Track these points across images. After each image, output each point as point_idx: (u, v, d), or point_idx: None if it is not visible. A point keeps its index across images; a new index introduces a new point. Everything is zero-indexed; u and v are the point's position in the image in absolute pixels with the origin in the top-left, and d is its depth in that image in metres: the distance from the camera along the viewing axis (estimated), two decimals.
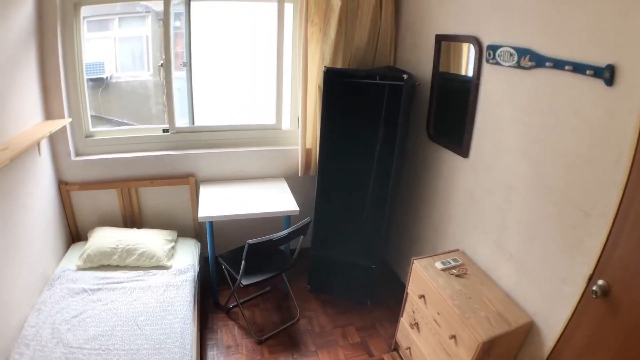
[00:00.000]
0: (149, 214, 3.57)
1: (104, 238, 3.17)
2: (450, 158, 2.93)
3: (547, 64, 2.06)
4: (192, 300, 2.87)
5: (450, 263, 2.72)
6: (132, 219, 3.52)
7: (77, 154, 3.32)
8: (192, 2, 3.22)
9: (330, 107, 3.15)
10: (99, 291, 2.82)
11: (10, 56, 2.62)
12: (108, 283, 2.90)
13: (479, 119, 2.62)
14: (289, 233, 2.96)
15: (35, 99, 2.91)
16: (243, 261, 2.87)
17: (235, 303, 3.42)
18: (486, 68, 2.52)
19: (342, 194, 3.51)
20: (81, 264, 3.04)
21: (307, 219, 3.06)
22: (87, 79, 3.26)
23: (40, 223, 2.99)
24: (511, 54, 2.28)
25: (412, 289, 2.79)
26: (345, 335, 3.19)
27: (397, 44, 3.44)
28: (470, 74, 2.64)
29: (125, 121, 3.86)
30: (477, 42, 2.54)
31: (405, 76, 2.81)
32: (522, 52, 2.21)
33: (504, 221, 2.48)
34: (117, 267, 3.07)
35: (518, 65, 2.24)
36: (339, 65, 3.29)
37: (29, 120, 2.84)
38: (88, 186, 3.34)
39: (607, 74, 1.73)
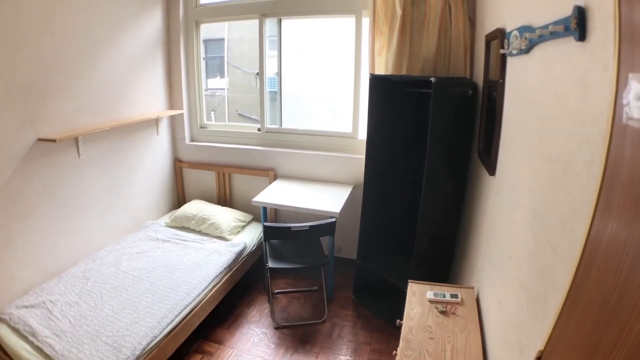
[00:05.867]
0: (237, 196, 3.76)
1: (192, 206, 3.49)
2: (485, 177, 2.16)
3: (526, 35, 1.35)
4: (224, 267, 2.88)
5: (444, 297, 1.99)
6: (224, 198, 3.76)
7: (192, 140, 3.78)
8: (282, 21, 3.31)
9: (375, 116, 2.71)
10: (167, 242, 3.12)
11: (139, 57, 3.21)
12: (177, 239, 3.17)
13: (504, 128, 1.86)
14: (309, 227, 2.70)
15: (161, 93, 3.48)
16: (264, 242, 2.75)
17: (279, 290, 3.27)
18: (508, 63, 1.78)
19: (385, 208, 2.98)
20: (169, 222, 3.42)
21: (331, 219, 2.72)
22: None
23: (149, 185, 3.51)
24: (517, 37, 1.56)
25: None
26: (356, 352, 2.64)
27: (473, 54, 2.72)
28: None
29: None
30: (501, 34, 1.83)
31: (433, 79, 2.19)
32: (522, 31, 1.49)
33: (502, 256, 1.69)
34: (193, 230, 3.33)
35: (520, 50, 1.52)
36: None
37: (154, 107, 3.42)
38: (195, 166, 3.76)
39: (574, 23, 0.99)
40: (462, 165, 2.59)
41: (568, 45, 1.09)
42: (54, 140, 2.51)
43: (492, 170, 1.97)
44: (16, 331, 2.21)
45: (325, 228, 2.76)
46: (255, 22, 3.41)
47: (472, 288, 2.08)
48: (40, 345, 2.12)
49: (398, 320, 1.93)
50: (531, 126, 1.42)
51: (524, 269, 1.37)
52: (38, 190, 2.58)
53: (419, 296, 2.01)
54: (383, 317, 2.95)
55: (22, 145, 2.44)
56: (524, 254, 1.40)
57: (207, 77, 3.76)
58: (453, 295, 1.98)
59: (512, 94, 1.72)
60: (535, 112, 1.39)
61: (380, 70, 2.89)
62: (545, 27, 1.20)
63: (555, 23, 1.13)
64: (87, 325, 2.26)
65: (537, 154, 1.34)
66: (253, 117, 5.14)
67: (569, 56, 1.10)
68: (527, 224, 1.38)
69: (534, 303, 1.26)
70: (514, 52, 1.61)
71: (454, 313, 1.88)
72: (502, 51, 1.74)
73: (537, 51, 1.37)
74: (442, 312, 1.88)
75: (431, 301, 1.96)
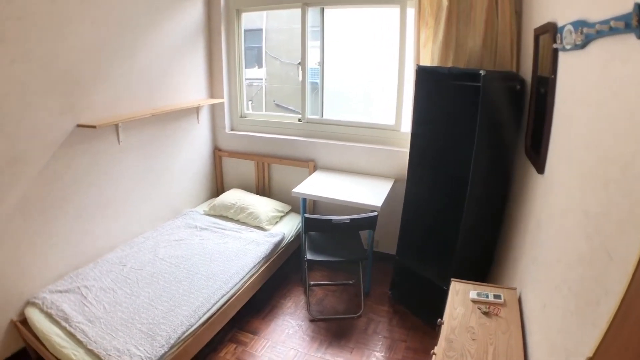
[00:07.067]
0: (275, 186, 3.85)
1: (231, 195, 3.61)
2: (532, 175, 2.13)
3: (583, 30, 1.33)
4: (262, 257, 2.96)
5: (488, 297, 1.98)
6: (263, 188, 3.87)
7: (232, 129, 3.90)
8: (325, 10, 3.35)
9: (420, 108, 2.70)
10: (205, 230, 3.24)
11: (180, 45, 3.31)
12: (215, 227, 3.29)
13: (555, 125, 1.83)
14: (350, 220, 2.75)
15: (202, 81, 3.60)
16: (304, 234, 2.82)
17: (315, 282, 3.35)
18: (560, 58, 1.75)
19: (427, 203, 2.96)
20: (207, 210, 3.55)
21: (373, 213, 2.76)
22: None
23: (188, 173, 3.65)
24: (571, 32, 1.53)
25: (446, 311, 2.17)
26: (391, 348, 2.68)
27: (520, 48, 2.65)
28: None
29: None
30: (553, 28, 1.79)
31: (482, 72, 2.17)
32: (577, 25, 1.47)
33: (549, 258, 1.68)
34: (231, 219, 3.45)
35: (575, 45, 1.49)
36: None
37: (195, 95, 3.54)
38: (234, 155, 3.88)
39: (635, 20, 0.97)
40: (509, 161, 2.57)
41: (628, 42, 1.08)
42: (94, 127, 2.59)
43: (540, 169, 1.94)
44: (49, 316, 2.26)
45: (366, 222, 2.81)
46: (294, 12, 3.46)
47: (515, 289, 2.07)
48: (72, 330, 2.14)
49: (439, 320, 1.95)
50: (585, 124, 1.40)
51: (574, 272, 1.36)
52: (76, 176, 2.68)
53: (462, 295, 2.03)
54: (420, 315, 2.98)
55: (61, 131, 2.53)
56: (574, 257, 1.39)
57: (245, 67, 3.85)
58: (496, 296, 1.98)
59: (565, 90, 1.69)
60: (591, 110, 1.37)
61: (426, 62, 2.88)
62: (606, 22, 1.18)
63: (616, 19, 1.12)
64: (121, 312, 2.30)
65: (592, 154, 1.33)
66: (290, 107, 5.20)
67: (630, 54, 1.09)
68: (579, 226, 1.37)
69: (584, 308, 1.26)
70: (568, 47, 1.57)
71: (496, 314, 1.88)
72: (554, 46, 1.71)
73: (594, 47, 1.35)
74: (485, 313, 1.89)
75: (474, 301, 1.97)
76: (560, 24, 1.72)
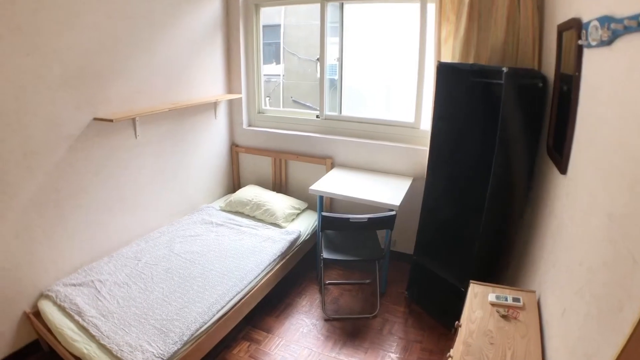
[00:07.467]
0: (292, 183, 3.86)
1: (247, 192, 3.63)
2: (554, 175, 2.09)
3: (610, 26, 1.29)
4: (278, 254, 2.97)
5: (507, 300, 1.95)
6: (280, 184, 3.88)
7: (249, 125, 3.93)
8: (345, 6, 3.33)
9: (441, 105, 2.67)
10: (221, 226, 3.26)
11: (198, 40, 3.34)
12: (231, 223, 3.32)
13: (579, 124, 1.79)
14: (368, 219, 2.74)
15: (220, 76, 3.63)
16: (320, 232, 2.83)
17: (330, 281, 3.34)
18: (585, 56, 1.70)
19: (449, 202, 2.93)
20: (224, 206, 3.59)
21: (391, 212, 2.74)
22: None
23: (205, 168, 3.68)
24: (597, 28, 1.49)
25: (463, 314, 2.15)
26: (406, 349, 2.67)
27: (542, 44, 2.60)
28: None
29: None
30: (577, 24, 1.75)
31: (505, 69, 2.13)
32: (603, 21, 1.43)
33: (570, 261, 1.64)
34: (247, 216, 3.47)
35: (601, 42, 1.45)
36: None
37: (213, 90, 3.57)
38: (252, 151, 3.90)
39: None
40: (530, 161, 2.52)
41: None
42: (111, 121, 2.60)
43: (563, 169, 1.90)
44: (62, 309, 2.28)
45: (385, 221, 2.79)
46: (312, 7, 3.45)
47: (534, 292, 2.04)
48: (85, 325, 2.16)
49: (457, 322, 1.93)
50: (611, 124, 1.37)
51: (596, 276, 1.33)
52: (93, 169, 2.71)
53: (481, 298, 2.00)
54: (436, 316, 2.96)
55: (77, 125, 2.56)
56: (597, 261, 1.36)
57: (263, 63, 3.87)
58: (515, 299, 1.95)
59: (590, 88, 1.65)
60: (617, 108, 1.34)
61: (446, 59, 2.85)
62: (634, 17, 1.15)
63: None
64: (135, 307, 2.31)
65: (618, 154, 1.29)
66: (307, 104, 5.22)
67: None
68: (603, 229, 1.34)
69: (606, 313, 1.23)
70: (593, 43, 1.54)
71: (515, 318, 1.85)
72: (579, 42, 1.67)
73: (621, 43, 1.31)
74: (504, 317, 1.86)
75: (493, 304, 1.94)
76: (585, 19, 1.68)
